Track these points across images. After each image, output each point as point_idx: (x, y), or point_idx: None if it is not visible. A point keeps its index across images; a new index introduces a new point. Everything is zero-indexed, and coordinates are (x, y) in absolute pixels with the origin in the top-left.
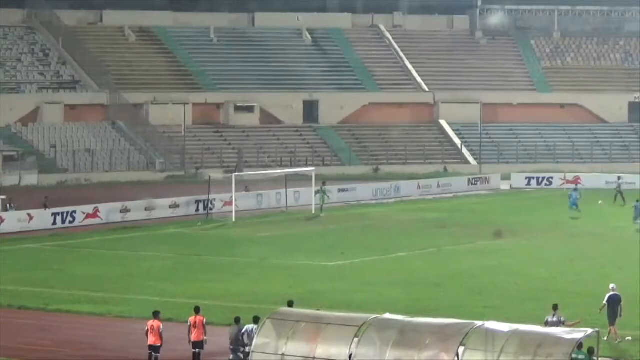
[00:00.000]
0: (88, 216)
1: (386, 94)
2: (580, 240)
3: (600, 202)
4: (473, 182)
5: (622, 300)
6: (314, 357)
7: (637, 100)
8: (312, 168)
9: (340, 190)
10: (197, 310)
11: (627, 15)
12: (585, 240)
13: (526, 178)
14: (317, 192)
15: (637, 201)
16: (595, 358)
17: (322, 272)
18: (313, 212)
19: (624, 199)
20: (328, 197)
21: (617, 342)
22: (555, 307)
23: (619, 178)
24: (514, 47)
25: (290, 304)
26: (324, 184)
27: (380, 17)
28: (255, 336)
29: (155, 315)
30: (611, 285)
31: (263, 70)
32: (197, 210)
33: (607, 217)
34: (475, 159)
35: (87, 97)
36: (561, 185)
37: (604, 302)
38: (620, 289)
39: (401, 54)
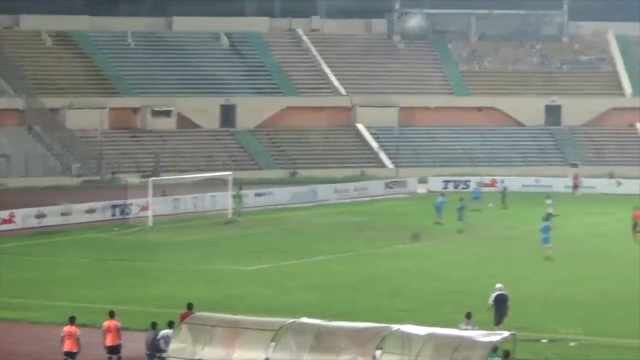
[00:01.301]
0: (3, 221)
1: (304, 98)
2: (496, 242)
3: (490, 204)
4: (390, 185)
5: (509, 300)
6: None
7: (553, 104)
8: (230, 172)
9: (257, 195)
10: (111, 315)
11: (544, 19)
12: (500, 243)
13: (443, 181)
14: (233, 197)
15: (461, 199)
16: None
17: (240, 276)
18: (230, 216)
19: (504, 202)
20: (240, 201)
21: None
22: (468, 315)
23: (502, 181)
24: (432, 50)
25: (189, 307)
26: (240, 188)
27: (297, 21)
28: (171, 341)
29: (72, 320)
30: (498, 285)
31: (180, 74)
32: (114, 215)
33: (521, 220)
34: (392, 162)
35: (3, 102)
36: (483, 188)
37: (491, 302)
38: (537, 291)
39: (319, 57)
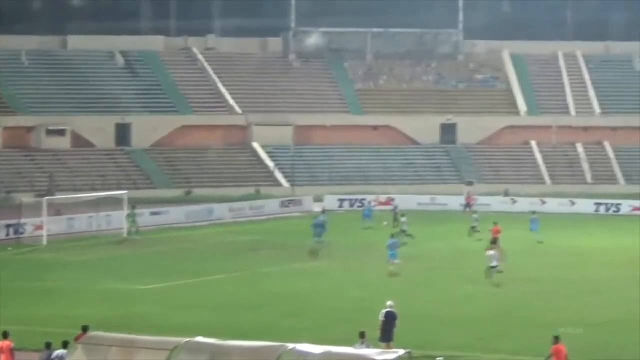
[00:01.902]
0: None
1: (199, 117)
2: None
3: (384, 223)
4: (286, 204)
5: (397, 318)
6: None
7: (448, 122)
8: (124, 191)
9: (152, 213)
10: (5, 335)
11: (439, 37)
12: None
13: (339, 200)
14: (127, 216)
15: (317, 217)
16: None
17: (136, 295)
18: (125, 235)
19: (396, 220)
20: (133, 220)
21: None
22: (362, 335)
23: (393, 200)
24: (327, 69)
25: (84, 329)
26: (133, 207)
27: (193, 40)
28: None
29: None
30: (388, 303)
31: (75, 93)
32: (8, 234)
33: (420, 239)
34: (288, 181)
35: None
36: (374, 207)
37: (382, 317)
38: (432, 308)
39: (214, 76)
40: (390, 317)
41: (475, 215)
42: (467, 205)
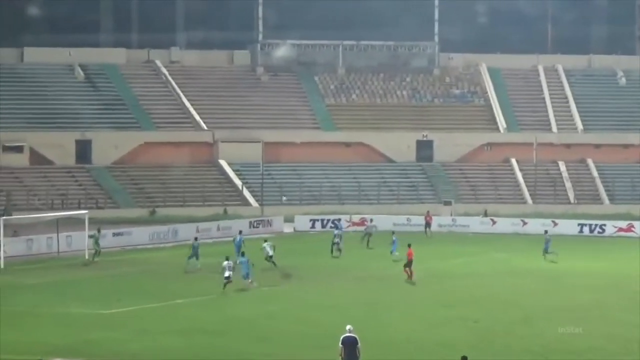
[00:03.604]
0: None
1: (163, 133)
2: (366, 285)
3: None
4: (255, 224)
5: (359, 342)
6: None
7: (424, 139)
8: (85, 211)
9: (115, 234)
10: None
11: (414, 51)
12: (370, 285)
13: (310, 220)
14: (90, 237)
15: (195, 239)
16: None
17: (98, 320)
18: (87, 257)
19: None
20: (96, 241)
21: None
22: None
23: (371, 220)
24: (297, 83)
25: None
26: (99, 230)
27: (156, 52)
28: None
29: None
30: (348, 327)
31: (33, 108)
32: None
33: (388, 262)
34: (256, 200)
35: None
36: (347, 227)
37: (340, 345)
38: (403, 333)
39: (178, 90)
40: (349, 343)
41: (336, 232)
42: (427, 224)
